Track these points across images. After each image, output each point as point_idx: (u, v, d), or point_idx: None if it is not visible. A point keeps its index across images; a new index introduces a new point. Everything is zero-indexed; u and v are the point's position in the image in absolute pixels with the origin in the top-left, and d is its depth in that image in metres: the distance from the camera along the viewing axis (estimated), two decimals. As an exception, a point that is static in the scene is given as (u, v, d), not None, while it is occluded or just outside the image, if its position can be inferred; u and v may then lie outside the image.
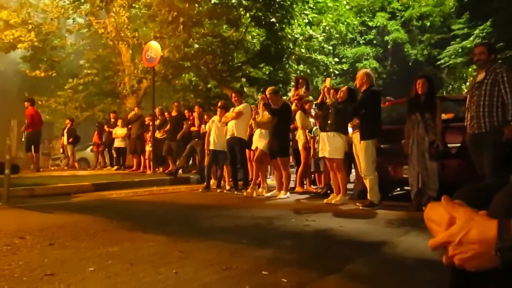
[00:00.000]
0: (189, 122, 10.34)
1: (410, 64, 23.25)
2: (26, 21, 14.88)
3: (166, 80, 14.53)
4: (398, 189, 7.71)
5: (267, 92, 7.31)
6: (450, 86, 21.75)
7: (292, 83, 14.12)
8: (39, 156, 12.17)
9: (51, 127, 21.61)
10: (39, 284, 2.42)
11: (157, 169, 10.81)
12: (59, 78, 18.18)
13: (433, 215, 0.93)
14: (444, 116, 5.77)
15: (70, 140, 13.66)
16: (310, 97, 8.29)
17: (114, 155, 13.12)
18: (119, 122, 12.62)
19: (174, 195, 7.52)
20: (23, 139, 11.49)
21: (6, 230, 4.03)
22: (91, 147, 15.78)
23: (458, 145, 5.54)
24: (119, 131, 12.48)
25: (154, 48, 11.34)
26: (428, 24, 23.17)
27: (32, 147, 11.18)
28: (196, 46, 13.44)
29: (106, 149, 13.78)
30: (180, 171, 9.85)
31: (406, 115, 5.67)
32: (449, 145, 5.51)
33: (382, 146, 5.97)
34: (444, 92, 20.45)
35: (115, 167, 12.68)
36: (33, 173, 10.39)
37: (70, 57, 19.16)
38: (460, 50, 18.93)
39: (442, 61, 20.04)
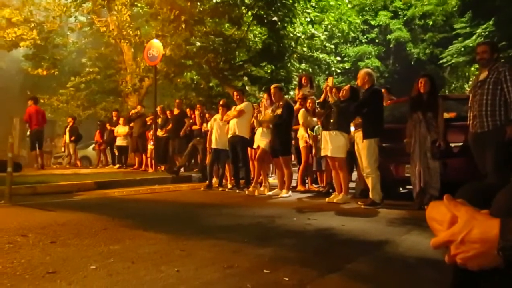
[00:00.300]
0: (191, 121, 10.34)
1: (412, 63, 23.21)
2: (28, 19, 14.90)
3: (168, 79, 14.54)
4: (400, 188, 7.70)
5: (272, 87, 7.33)
6: (453, 85, 21.73)
7: (294, 82, 14.14)
8: (43, 153, 12.21)
9: (53, 125, 21.63)
10: (41, 282, 2.42)
11: (159, 167, 10.83)
12: (61, 77, 18.21)
13: (435, 214, 0.93)
14: (446, 115, 5.76)
15: (72, 138, 13.68)
16: (312, 96, 8.29)
17: (116, 154, 13.14)
18: (121, 120, 12.64)
19: (176, 194, 7.53)
20: (27, 137, 11.54)
21: (8, 228, 4.04)
22: (93, 145, 15.80)
23: (461, 144, 5.53)
24: (121, 130, 12.50)
25: (156, 46, 11.34)
26: (431, 23, 23.12)
27: (38, 145, 11.25)
28: (198, 44, 13.44)
29: (108, 147, 13.80)
30: (182, 169, 9.85)
31: (408, 114, 5.66)
32: (451, 144, 5.51)
33: (384, 145, 5.96)
34: (447, 91, 20.42)
35: (117, 166, 12.70)
36: (36, 171, 10.41)
37: (72, 56, 19.19)
38: (462, 49, 18.88)
39: (445, 60, 20.00)
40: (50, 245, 3.37)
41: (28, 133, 11.56)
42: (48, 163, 17.22)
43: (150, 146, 11.25)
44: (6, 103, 19.68)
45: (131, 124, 12.10)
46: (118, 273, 2.59)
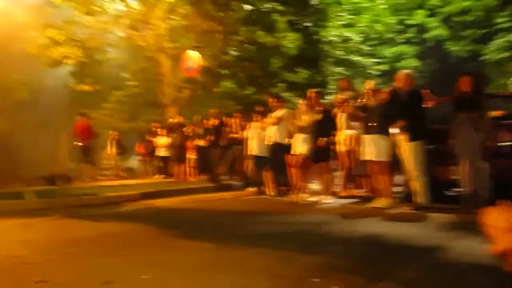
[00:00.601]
0: (229, 129, 10.44)
1: (452, 61, 22.51)
2: (72, 38, 15.53)
3: (205, 89, 14.78)
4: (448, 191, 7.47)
5: (310, 92, 7.35)
6: (497, 82, 20.93)
7: (330, 86, 14.07)
8: (93, 166, 12.65)
9: (98, 139, 22.37)
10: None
11: (200, 176, 10.97)
12: (103, 91, 18.84)
13: (491, 221, 0.92)
14: (493, 114, 5.56)
15: (117, 150, 14.13)
16: (352, 100, 8.20)
17: (158, 164, 13.42)
18: (162, 131, 12.92)
19: (218, 202, 7.59)
20: (75, 151, 12.01)
21: (62, 240, 4.24)
22: (136, 156, 16.22)
23: (510, 143, 5.32)
24: (162, 140, 12.77)
25: (192, 57, 11.57)
26: (470, 19, 22.38)
27: (86, 158, 11.73)
28: (234, 53, 13.62)
29: (151, 158, 14.12)
30: (223, 178, 9.96)
31: (452, 114, 5.50)
32: (499, 144, 5.30)
33: (429, 147, 5.80)
34: (490, 88, 19.69)
35: (160, 176, 12.96)
36: (84, 184, 10.77)
37: (113, 70, 19.81)
38: (505, 44, 18.19)
39: (487, 56, 19.31)
40: (102, 255, 3.50)
41: (77, 146, 12.02)
42: (94, 175, 17.82)
43: (191, 155, 11.42)
44: (53, 119, 20.54)
45: (171, 135, 12.35)
46: (169, 282, 2.66)
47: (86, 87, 16.31)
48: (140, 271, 2.94)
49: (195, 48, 13.18)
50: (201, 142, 11.05)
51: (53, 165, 10.94)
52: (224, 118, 11.01)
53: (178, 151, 11.83)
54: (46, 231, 5.08)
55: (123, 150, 14.34)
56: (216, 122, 10.90)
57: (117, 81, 19.69)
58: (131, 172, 16.11)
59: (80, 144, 11.72)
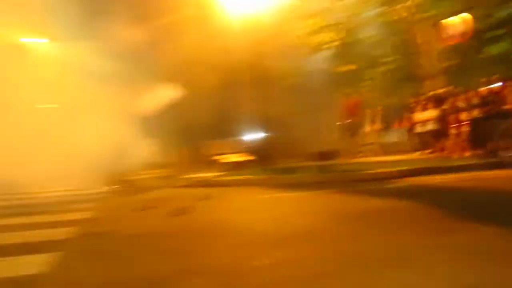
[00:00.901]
0: (504, 99, 9.18)
1: None
2: (329, 24, 16.37)
3: (472, 56, 13.35)
4: None
5: None
6: None
7: None
8: (359, 144, 13.35)
9: (360, 116, 23.15)
10: (390, 269, 2.61)
11: (473, 151, 9.97)
12: (360, 70, 19.24)
13: None
14: None
15: (379, 126, 14.33)
16: None
17: (422, 139, 12.88)
18: (425, 104, 12.35)
19: (495, 181, 6.69)
20: (342, 128, 12.94)
21: (338, 212, 4.70)
22: (398, 132, 16.00)
23: None
24: (426, 114, 12.21)
25: (453, 24, 10.62)
26: None
27: (352, 135, 12.56)
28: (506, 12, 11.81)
29: (414, 133, 13.70)
30: (502, 153, 8.84)
31: None
32: None
33: None
34: None
35: (424, 152, 12.44)
36: (349, 160, 11.33)
37: (369, 48, 19.94)
38: None
39: None
40: (378, 232, 3.60)
41: (343, 124, 12.89)
42: (359, 151, 18.50)
43: (462, 129, 10.50)
44: (319, 99, 22.15)
45: (437, 107, 11.66)
46: (457, 267, 2.55)
47: (346, 67, 17.04)
48: (427, 252, 2.88)
49: (456, 12, 12.00)
50: (475, 114, 10.05)
51: (322, 142, 11.87)
52: (497, 87, 9.78)
53: (445, 125, 11.10)
54: (324, 203, 5.65)
55: (385, 126, 14.48)
56: (490, 91, 9.78)
57: (373, 58, 19.82)
58: (393, 148, 16.08)
59: (347, 121, 12.50)
